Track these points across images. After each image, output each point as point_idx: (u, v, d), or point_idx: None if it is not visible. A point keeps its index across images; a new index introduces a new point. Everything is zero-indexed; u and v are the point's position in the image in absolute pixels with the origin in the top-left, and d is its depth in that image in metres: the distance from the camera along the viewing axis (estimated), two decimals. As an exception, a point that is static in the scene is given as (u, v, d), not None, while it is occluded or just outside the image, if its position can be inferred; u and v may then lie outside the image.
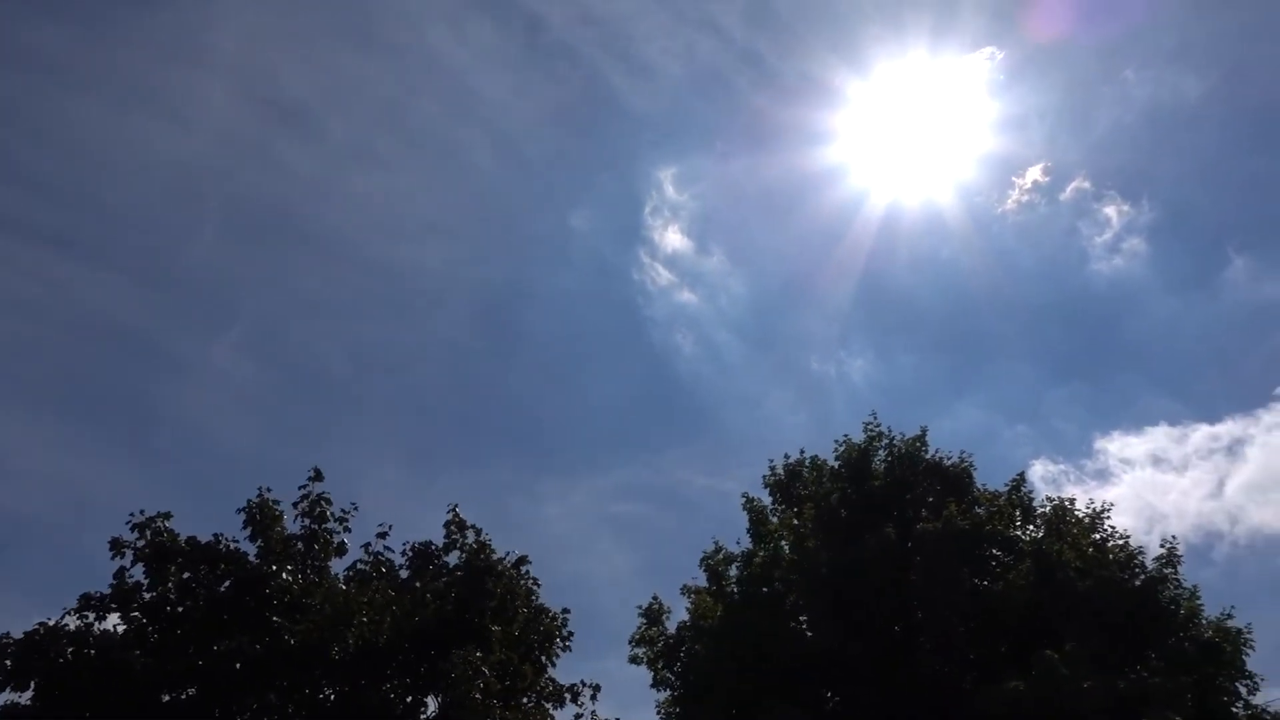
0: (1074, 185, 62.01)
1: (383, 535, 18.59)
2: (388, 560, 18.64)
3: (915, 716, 21.75)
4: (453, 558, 18.96)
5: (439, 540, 19.09)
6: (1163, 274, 65.08)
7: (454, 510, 18.91)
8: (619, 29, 69.61)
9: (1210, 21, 64.33)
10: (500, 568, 18.53)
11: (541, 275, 71.66)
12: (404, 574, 18.85)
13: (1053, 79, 64.74)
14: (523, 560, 19.11)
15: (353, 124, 67.29)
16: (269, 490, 18.01)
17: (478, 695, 16.22)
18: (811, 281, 69.67)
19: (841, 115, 59.34)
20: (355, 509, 18.61)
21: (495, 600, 18.36)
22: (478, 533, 18.78)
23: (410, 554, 18.96)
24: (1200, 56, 63.92)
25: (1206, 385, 64.03)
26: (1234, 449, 54.41)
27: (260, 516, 17.69)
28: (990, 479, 26.14)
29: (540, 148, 71.51)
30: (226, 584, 17.21)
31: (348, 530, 18.56)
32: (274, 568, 17.24)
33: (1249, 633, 22.22)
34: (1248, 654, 22.07)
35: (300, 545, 18.01)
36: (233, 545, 17.46)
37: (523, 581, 19.21)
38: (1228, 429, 54.89)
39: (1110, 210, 61.62)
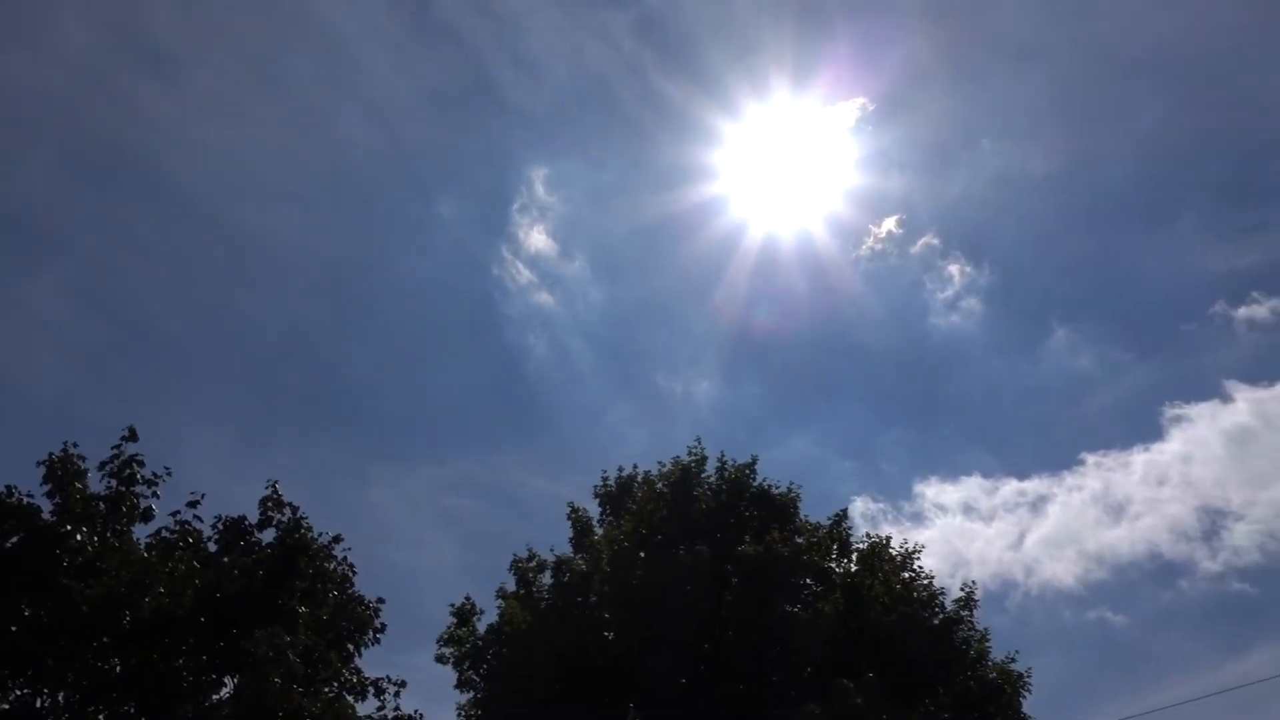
0: (924, 240, 65.51)
1: (193, 504, 17.76)
2: (195, 530, 17.82)
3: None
4: (267, 535, 18.32)
5: (254, 516, 18.43)
6: (993, 335, 69.50)
7: (273, 486, 18.29)
8: (510, 21, 68.86)
9: (1065, 108, 69.22)
10: (315, 548, 18.00)
11: (399, 257, 69.97)
12: (212, 547, 18.07)
13: (916, 138, 68.23)
14: (336, 539, 18.59)
15: (218, 74, 63.79)
16: (75, 445, 17.00)
17: (278, 680, 15.67)
18: (668, 299, 70.87)
19: (717, 146, 60.82)
20: (169, 474, 17.72)
21: (306, 582, 17.83)
22: (295, 511, 18.21)
23: (222, 527, 18.19)
24: (1051, 138, 68.73)
25: (1019, 443, 68.53)
26: (1037, 505, 58.35)
27: (61, 472, 16.64)
28: (814, 511, 27.11)
29: (413, 128, 69.99)
30: (14, 540, 16.10)
31: (157, 496, 17.65)
32: (69, 527, 16.22)
33: (1028, 677, 23.87)
34: (1025, 696, 23.68)
35: (103, 506, 17.00)
36: (26, 500, 16.33)
37: (338, 566, 18.72)
38: (1034, 486, 58.78)
39: (954, 269, 65.42)
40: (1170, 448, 56.63)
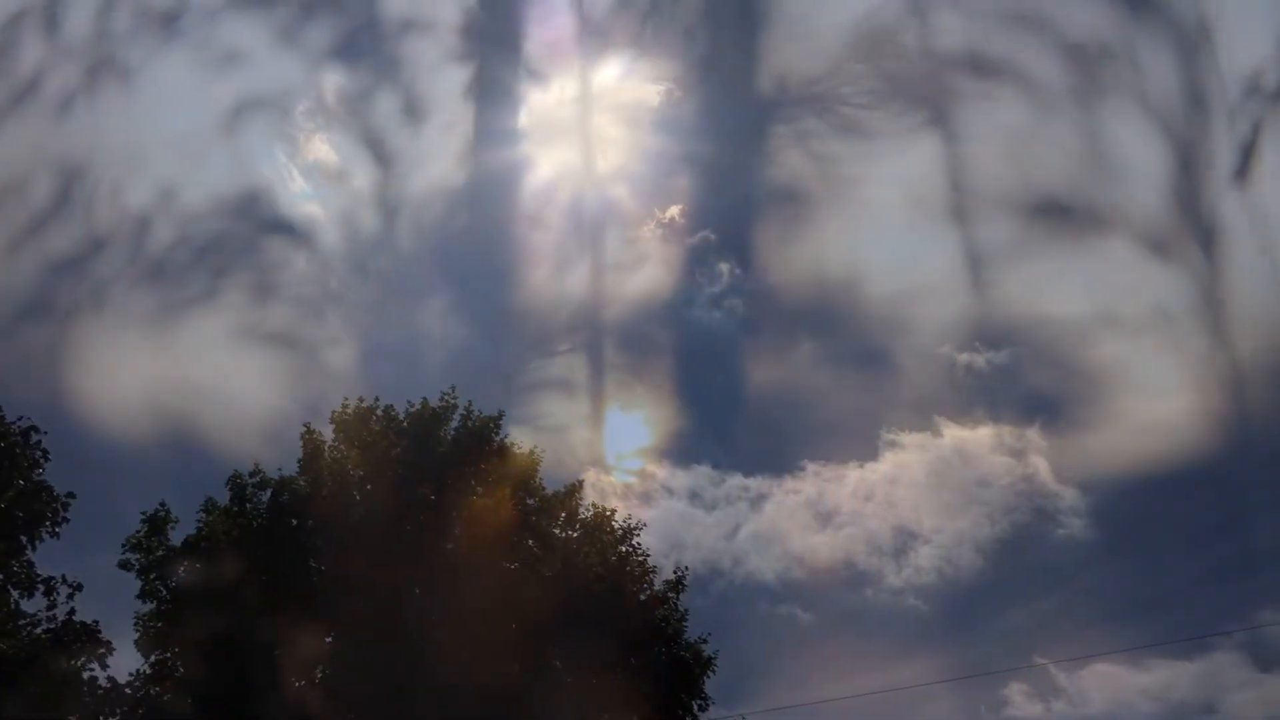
0: (703, 234, 67.60)
1: None
2: None
3: (403, 681, 22.21)
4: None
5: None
6: (748, 337, 72.69)
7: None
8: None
9: (852, 140, 73.15)
10: (4, 429, 16.39)
11: (154, 138, 63.23)
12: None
13: (715, 135, 70.05)
14: (33, 429, 17.01)
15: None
16: None
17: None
18: (446, 240, 69.03)
19: (521, 105, 60.26)
20: None
21: (-14, 465, 16.24)
22: (-12, 387, 16.50)
23: (-108, 389, 16.21)
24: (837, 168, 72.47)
25: (751, 442, 71.98)
26: (756, 502, 61.56)
27: None
28: (550, 476, 27.30)
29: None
30: None
31: None
32: None
33: (715, 659, 25.34)
34: (710, 676, 25.19)
35: None
36: None
37: (27, 451, 17.14)
38: (756, 484, 61.90)
39: (724, 267, 67.87)
40: (881, 468, 61.19)
